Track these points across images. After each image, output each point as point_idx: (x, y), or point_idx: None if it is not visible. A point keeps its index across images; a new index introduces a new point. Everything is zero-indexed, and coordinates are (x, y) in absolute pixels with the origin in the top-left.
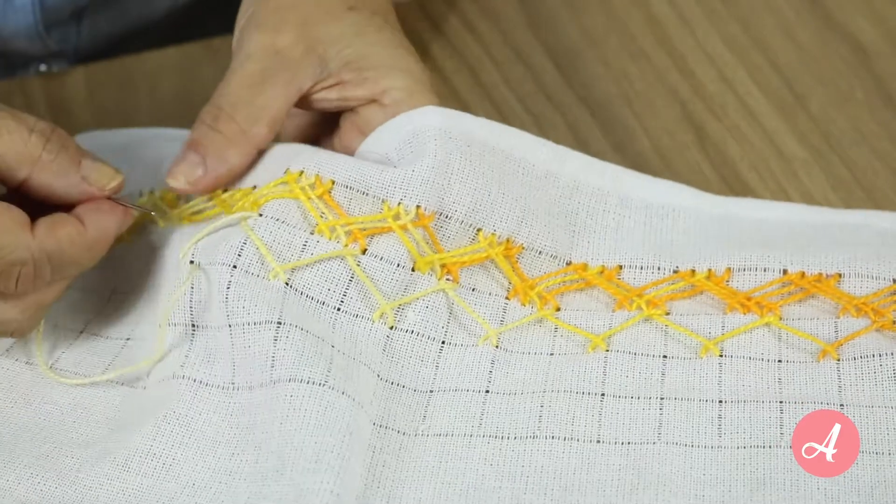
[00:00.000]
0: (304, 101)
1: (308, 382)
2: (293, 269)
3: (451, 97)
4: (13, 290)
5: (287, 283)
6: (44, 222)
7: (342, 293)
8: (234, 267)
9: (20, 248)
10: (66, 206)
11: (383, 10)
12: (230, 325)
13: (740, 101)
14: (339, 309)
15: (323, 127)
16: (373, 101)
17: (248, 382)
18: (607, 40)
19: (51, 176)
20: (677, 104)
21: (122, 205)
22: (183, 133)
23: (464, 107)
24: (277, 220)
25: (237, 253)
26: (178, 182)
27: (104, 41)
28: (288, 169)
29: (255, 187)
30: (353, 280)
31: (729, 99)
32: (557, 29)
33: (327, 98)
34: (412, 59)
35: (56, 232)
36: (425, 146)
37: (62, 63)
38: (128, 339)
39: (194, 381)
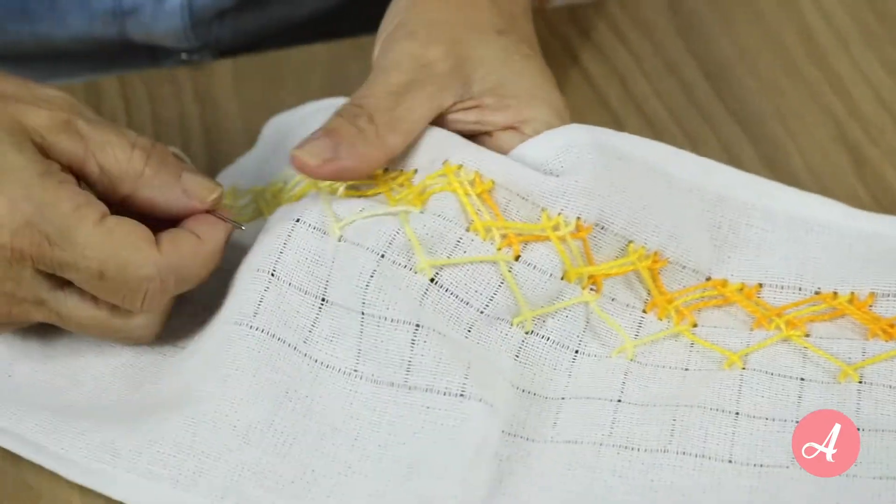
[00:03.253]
0: (439, 120)
1: (445, 394)
2: (442, 266)
3: (600, 107)
4: (139, 307)
5: (432, 280)
6: (165, 237)
7: (489, 297)
8: (382, 256)
9: (148, 264)
10: (166, 221)
11: (529, 39)
12: (363, 314)
13: None
14: (482, 312)
15: None
16: (511, 128)
17: (374, 375)
18: (760, 54)
19: (153, 190)
20: (832, 123)
21: (222, 219)
22: None
23: (614, 118)
24: (434, 214)
25: (388, 241)
26: (304, 154)
27: (247, 38)
28: (447, 161)
29: (415, 171)
30: (503, 286)
31: (887, 121)
32: (709, 41)
33: (464, 119)
34: (555, 93)
35: (178, 246)
36: (582, 158)
37: (204, 56)
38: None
39: (315, 361)
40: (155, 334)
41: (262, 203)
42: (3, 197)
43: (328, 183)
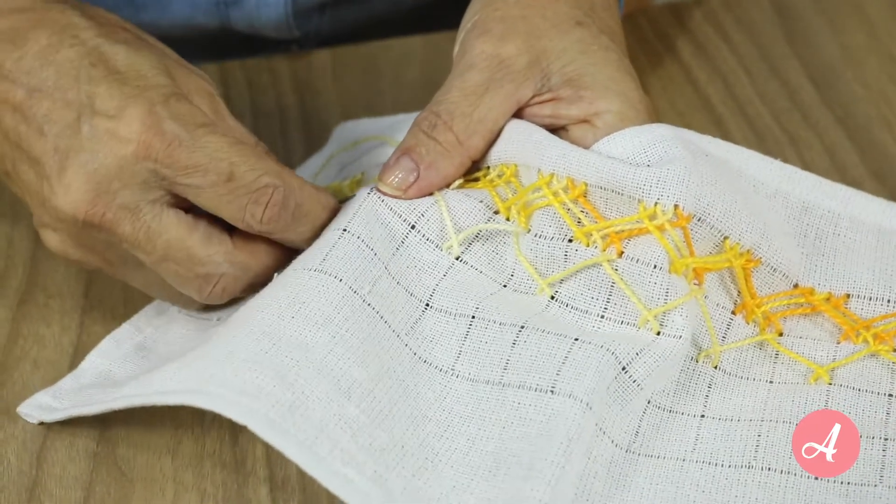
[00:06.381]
0: (517, 113)
1: (536, 390)
2: (561, 281)
3: (702, 108)
4: (259, 217)
5: (553, 297)
6: (284, 170)
7: (605, 300)
8: (505, 286)
9: (272, 172)
10: None
11: (610, 30)
12: (474, 317)
13: None
14: (602, 317)
15: None
16: (584, 121)
17: (471, 375)
18: (868, 61)
19: None
20: None
21: None
22: None
23: (716, 120)
24: (537, 235)
25: (510, 273)
26: (389, 188)
27: (346, 30)
28: (540, 171)
29: (517, 165)
30: (615, 286)
31: None
32: (816, 45)
33: (540, 114)
34: (632, 84)
35: (299, 178)
36: (669, 152)
37: (303, 47)
38: (344, 229)
39: (415, 354)
40: (234, 291)
41: (346, 190)
42: (142, 98)
43: None
